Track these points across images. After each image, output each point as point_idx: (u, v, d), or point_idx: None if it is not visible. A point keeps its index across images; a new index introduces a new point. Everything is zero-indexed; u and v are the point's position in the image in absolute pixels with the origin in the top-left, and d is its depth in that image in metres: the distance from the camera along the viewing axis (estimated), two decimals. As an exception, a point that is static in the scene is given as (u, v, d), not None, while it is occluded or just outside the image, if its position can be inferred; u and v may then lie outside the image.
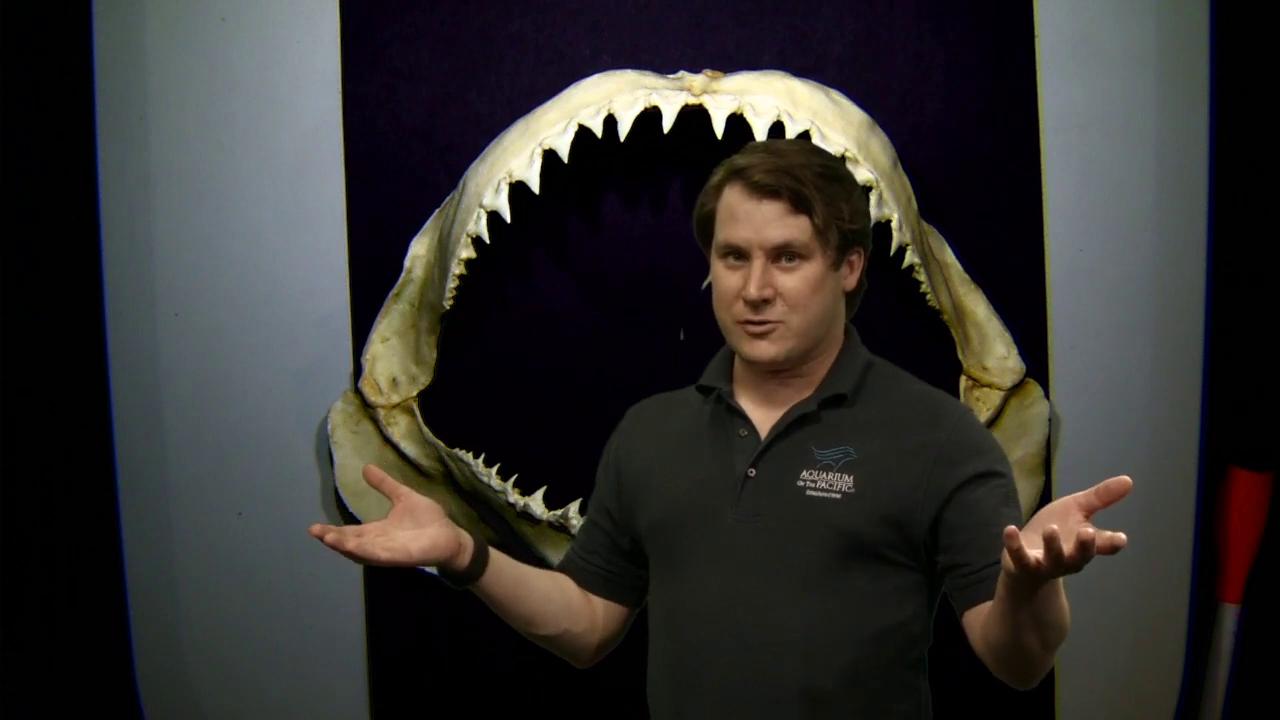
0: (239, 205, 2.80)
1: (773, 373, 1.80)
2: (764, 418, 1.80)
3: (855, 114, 2.63)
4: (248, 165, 2.80)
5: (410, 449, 2.76)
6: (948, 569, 1.75)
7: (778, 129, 2.56)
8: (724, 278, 1.77)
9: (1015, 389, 2.75)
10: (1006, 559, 1.47)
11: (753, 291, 1.72)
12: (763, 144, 1.83)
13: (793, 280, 1.74)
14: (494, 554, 1.80)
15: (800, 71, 2.67)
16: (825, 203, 1.73)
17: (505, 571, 1.82)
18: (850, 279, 1.81)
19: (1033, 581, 1.49)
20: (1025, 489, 2.78)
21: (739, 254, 1.75)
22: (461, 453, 2.67)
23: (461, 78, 2.77)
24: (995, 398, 2.73)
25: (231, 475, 2.82)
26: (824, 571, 1.72)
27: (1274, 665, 2.88)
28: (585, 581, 1.92)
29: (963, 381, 2.74)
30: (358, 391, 2.77)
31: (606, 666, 2.84)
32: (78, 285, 2.80)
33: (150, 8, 2.79)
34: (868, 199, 1.82)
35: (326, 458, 2.80)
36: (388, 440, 2.77)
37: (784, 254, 1.73)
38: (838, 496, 1.73)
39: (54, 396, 2.80)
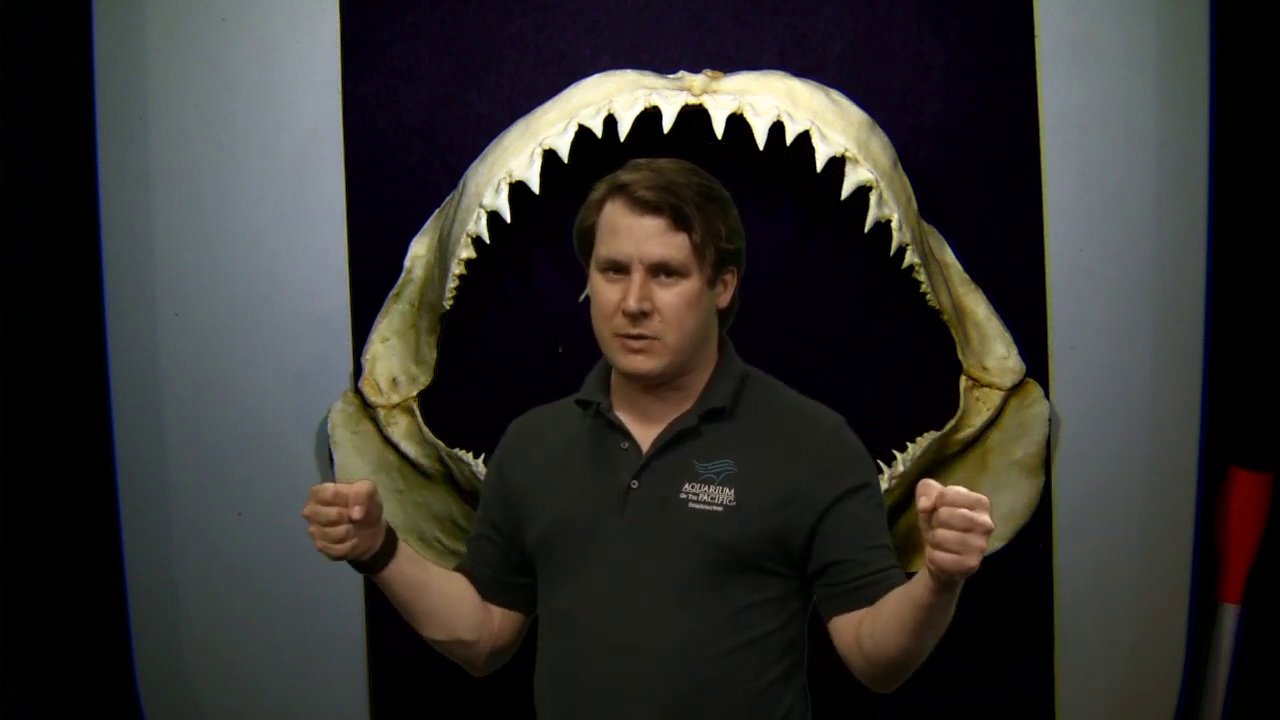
0: (239, 205, 2.80)
1: (650, 387, 1.83)
2: (644, 431, 1.84)
3: (855, 114, 2.63)
4: (248, 165, 2.80)
5: (410, 449, 2.76)
6: (820, 577, 1.79)
7: (778, 129, 2.56)
8: (603, 291, 1.81)
9: (1015, 389, 2.75)
10: (942, 560, 1.50)
11: (632, 304, 1.76)
12: (645, 161, 1.87)
13: (670, 296, 1.78)
14: (401, 548, 1.86)
15: (800, 71, 2.67)
16: (704, 221, 1.78)
17: (406, 568, 1.87)
18: (724, 296, 1.86)
19: (952, 583, 1.55)
20: (1025, 489, 2.78)
21: (619, 268, 1.79)
22: (461, 453, 2.67)
23: (461, 78, 2.77)
24: (995, 398, 2.73)
25: (231, 475, 2.82)
26: (702, 582, 1.76)
27: (1274, 665, 2.88)
28: (482, 588, 1.96)
29: (963, 381, 2.74)
30: (358, 391, 2.77)
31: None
32: (78, 285, 2.80)
33: (150, 8, 2.79)
34: (740, 222, 1.87)
35: (326, 458, 2.80)
36: (388, 440, 2.77)
37: (662, 270, 1.78)
38: (719, 509, 1.76)
39: (54, 396, 2.80)
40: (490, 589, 1.95)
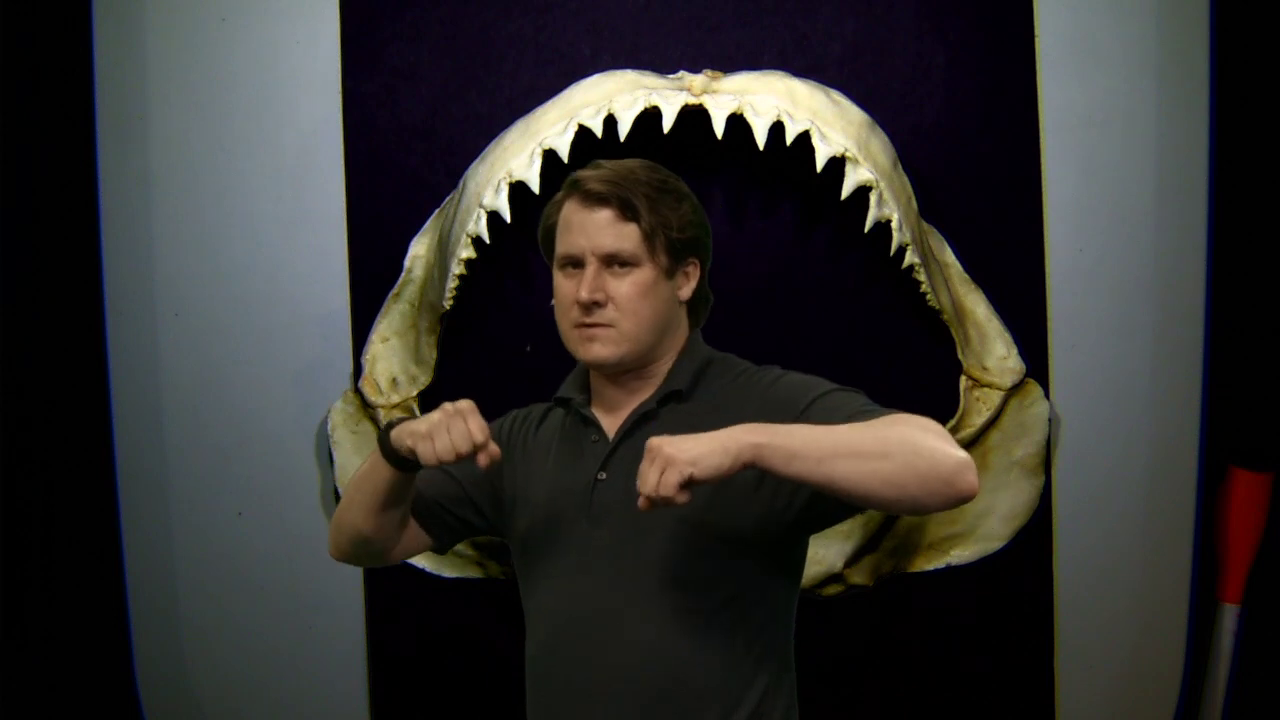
0: (239, 205, 2.81)
1: (614, 377, 1.87)
2: (613, 423, 1.88)
3: (855, 114, 2.63)
4: (248, 165, 2.80)
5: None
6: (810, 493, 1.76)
7: (778, 129, 2.56)
8: (561, 286, 1.86)
9: (1015, 389, 2.75)
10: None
11: (584, 294, 1.81)
12: (607, 160, 1.91)
13: (623, 286, 1.82)
14: None
15: (800, 71, 2.67)
16: (652, 211, 1.82)
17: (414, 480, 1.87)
18: (686, 289, 1.88)
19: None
20: (1025, 489, 2.78)
21: (575, 262, 1.84)
22: (461, 453, 2.67)
23: (461, 78, 2.77)
24: (995, 398, 2.73)
25: (231, 475, 2.83)
26: (673, 566, 1.77)
27: (1274, 665, 2.88)
28: (422, 508, 1.96)
29: (963, 381, 2.74)
30: (358, 391, 2.77)
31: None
32: (78, 285, 2.80)
33: (150, 8, 2.79)
34: (702, 215, 1.90)
35: (326, 458, 2.80)
36: (388, 440, 2.77)
37: (615, 260, 1.82)
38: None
39: (54, 396, 2.80)
40: (431, 513, 1.96)
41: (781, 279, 2.75)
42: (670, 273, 1.85)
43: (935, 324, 2.73)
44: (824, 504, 1.74)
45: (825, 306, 2.74)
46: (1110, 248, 2.82)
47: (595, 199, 1.83)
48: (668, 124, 2.56)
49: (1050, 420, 2.77)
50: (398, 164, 2.78)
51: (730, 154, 2.62)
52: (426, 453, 1.70)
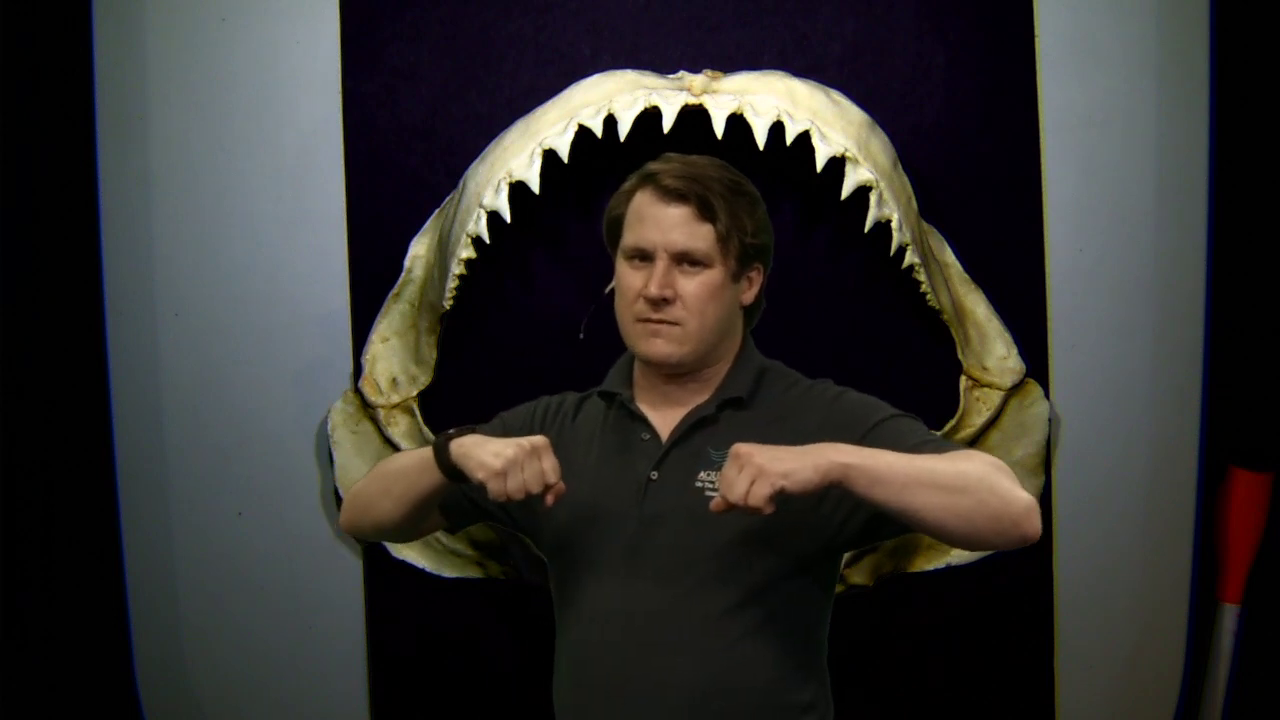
0: (239, 205, 2.80)
1: (671, 377, 1.85)
2: (664, 422, 1.85)
3: (855, 114, 2.63)
4: (248, 165, 2.80)
5: (410, 449, 2.76)
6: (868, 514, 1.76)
7: (778, 129, 2.56)
8: (627, 277, 1.83)
9: (1015, 389, 2.75)
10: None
11: (654, 290, 1.78)
12: (677, 155, 1.89)
13: (692, 285, 1.80)
14: None
15: (800, 71, 2.67)
16: (729, 213, 1.80)
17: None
18: (748, 294, 1.87)
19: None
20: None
21: (644, 255, 1.81)
22: (461, 453, 2.67)
23: (461, 78, 2.77)
24: (995, 398, 2.73)
25: (231, 475, 2.83)
26: (725, 571, 1.76)
27: (1274, 665, 2.88)
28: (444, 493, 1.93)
29: (963, 381, 2.74)
30: (358, 391, 2.77)
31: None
32: (78, 285, 2.80)
33: (150, 8, 2.79)
34: (769, 222, 1.89)
35: (326, 458, 2.80)
36: (388, 440, 2.77)
37: (686, 259, 1.79)
38: None
39: (54, 396, 2.80)
40: (452, 501, 1.93)
41: (781, 279, 2.74)
42: (737, 276, 1.84)
43: (935, 324, 2.73)
44: (881, 525, 1.75)
45: (825, 306, 2.74)
46: (1110, 248, 2.82)
47: (673, 195, 1.80)
48: (668, 124, 2.56)
49: (1050, 420, 2.77)
50: (398, 164, 2.78)
51: (730, 154, 2.60)
52: (496, 489, 1.68)
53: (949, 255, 2.76)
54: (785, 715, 1.79)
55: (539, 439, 1.71)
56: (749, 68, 2.67)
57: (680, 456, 1.81)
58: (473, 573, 2.81)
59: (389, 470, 1.88)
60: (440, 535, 2.80)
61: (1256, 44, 2.84)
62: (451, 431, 1.78)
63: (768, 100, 2.58)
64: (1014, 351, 2.74)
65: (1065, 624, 2.85)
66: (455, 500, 1.93)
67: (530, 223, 2.67)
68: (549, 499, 1.71)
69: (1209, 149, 2.81)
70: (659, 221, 1.80)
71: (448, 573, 2.80)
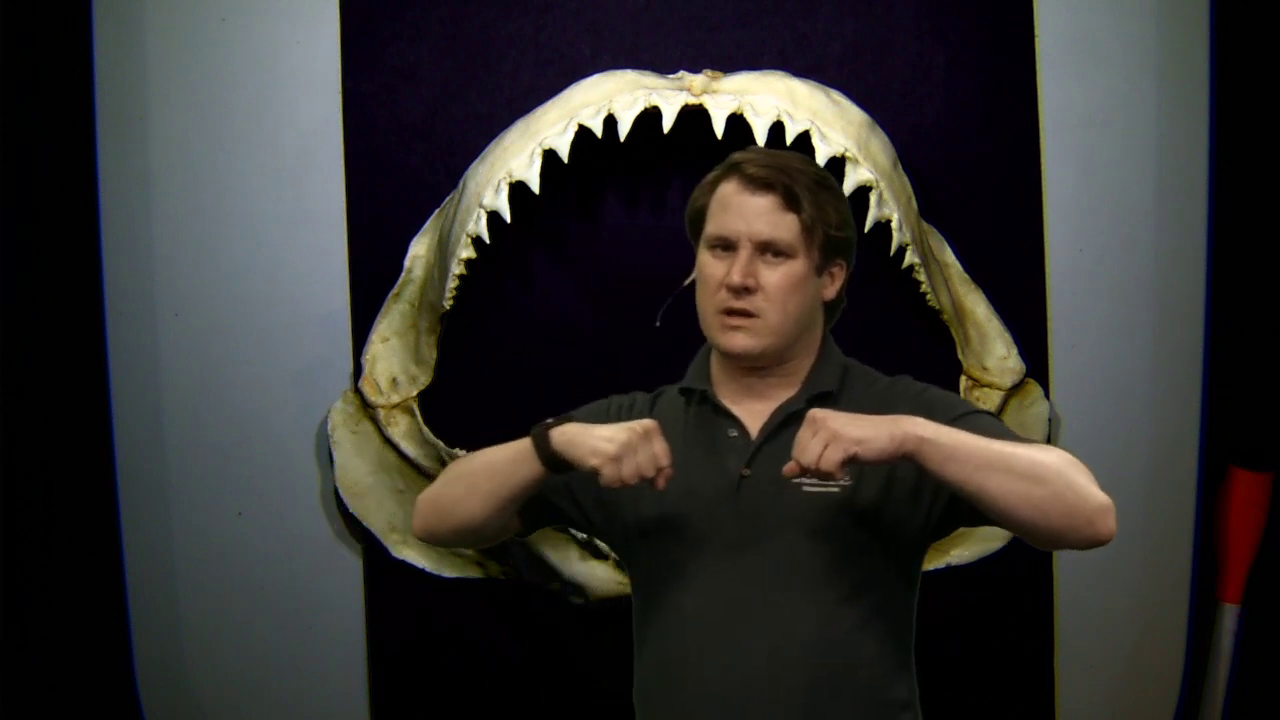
0: (239, 205, 2.80)
1: (752, 370, 1.82)
2: (751, 417, 1.82)
3: (855, 114, 2.63)
4: (248, 165, 2.80)
5: (410, 449, 2.76)
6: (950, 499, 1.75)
7: (778, 129, 2.56)
8: (709, 266, 1.80)
9: (1015, 389, 2.75)
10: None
11: (736, 278, 1.75)
12: (761, 148, 1.86)
13: (775, 276, 1.77)
14: None
15: (800, 71, 2.67)
16: (815, 205, 1.77)
17: None
18: (830, 289, 1.84)
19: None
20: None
21: (727, 245, 1.78)
22: (461, 453, 2.67)
23: (461, 78, 2.77)
24: (995, 398, 2.73)
25: (231, 475, 2.82)
26: (823, 565, 1.74)
27: (1274, 665, 2.88)
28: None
29: (963, 381, 2.74)
30: (358, 391, 2.77)
31: (605, 667, 2.84)
32: (78, 285, 2.80)
33: (150, 8, 2.79)
34: (853, 218, 1.87)
35: (326, 458, 2.80)
36: (388, 440, 2.77)
37: (770, 249, 1.77)
38: (835, 490, 1.74)
39: (54, 396, 2.80)
40: (532, 504, 1.87)
41: (781, 279, 2.75)
42: (819, 270, 1.81)
43: (935, 324, 2.73)
44: (956, 512, 1.74)
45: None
46: (1110, 248, 2.82)
47: (759, 184, 1.77)
48: (668, 124, 2.56)
49: (1050, 420, 2.77)
50: (398, 164, 2.78)
51: (731, 154, 2.61)
52: (611, 474, 1.66)
53: (949, 255, 2.76)
54: (887, 712, 1.77)
55: (649, 421, 1.69)
56: (749, 68, 2.67)
57: (772, 452, 1.77)
58: (473, 573, 2.81)
59: (472, 469, 1.82)
60: (440, 535, 2.80)
61: (1256, 44, 2.84)
62: (549, 421, 1.74)
63: (768, 100, 2.58)
64: (1014, 351, 2.74)
65: (1065, 624, 2.85)
66: (532, 500, 1.86)
67: (530, 223, 2.67)
68: (660, 483, 1.68)
69: (1209, 149, 2.81)
70: (743, 210, 1.77)
71: (448, 573, 2.80)
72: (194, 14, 2.79)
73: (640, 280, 2.75)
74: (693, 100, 2.58)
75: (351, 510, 2.79)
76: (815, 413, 1.62)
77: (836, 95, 2.64)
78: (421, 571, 2.79)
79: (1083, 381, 2.82)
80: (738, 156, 1.82)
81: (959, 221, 2.78)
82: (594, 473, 1.67)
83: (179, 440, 2.82)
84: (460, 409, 2.78)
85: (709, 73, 2.63)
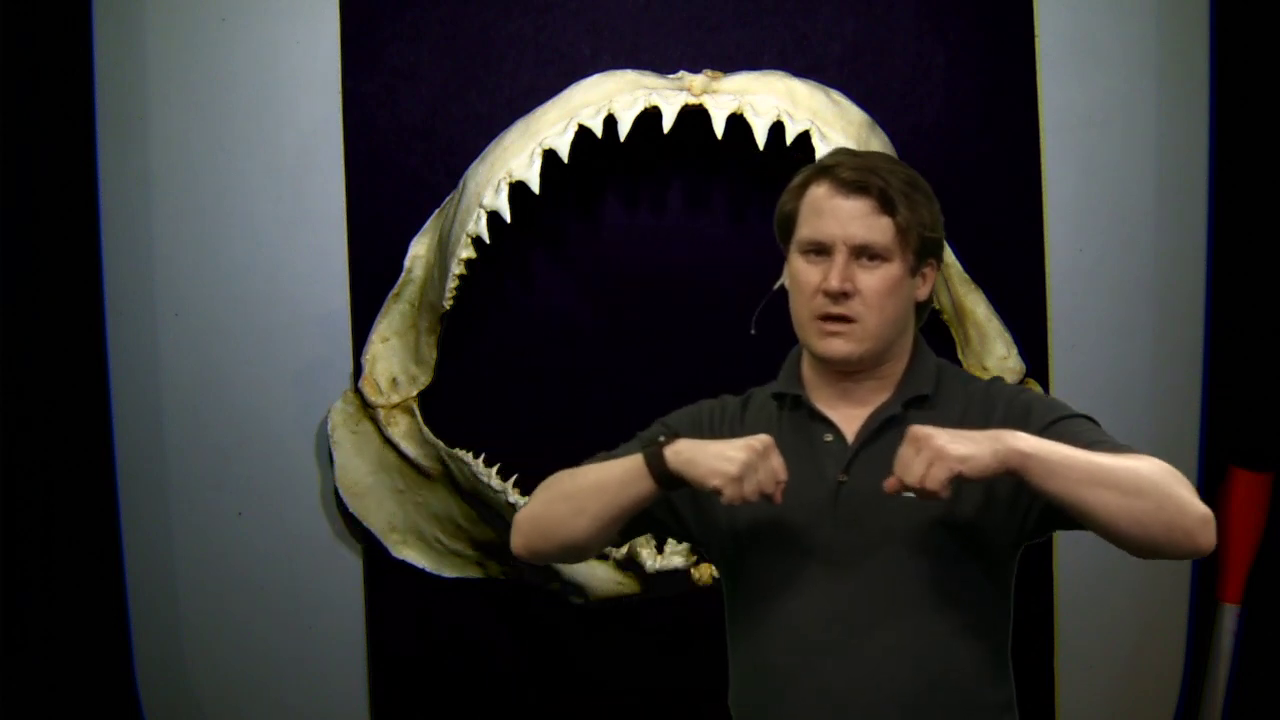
0: (239, 205, 2.80)
1: (847, 374, 1.80)
2: (847, 422, 1.80)
3: (855, 114, 2.63)
4: (248, 165, 2.80)
5: (410, 449, 2.76)
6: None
7: (778, 129, 2.56)
8: (803, 272, 1.78)
9: (1015, 389, 2.75)
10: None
11: (834, 283, 1.73)
12: (848, 150, 1.84)
13: (872, 279, 1.75)
14: None
15: (800, 71, 2.67)
16: (909, 207, 1.76)
17: None
18: (923, 289, 1.83)
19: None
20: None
21: (821, 249, 1.76)
22: (461, 453, 2.67)
23: (461, 78, 2.77)
24: (995, 398, 2.73)
25: (231, 475, 2.83)
26: (924, 571, 1.72)
27: (1274, 665, 2.88)
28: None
29: (963, 381, 2.74)
30: (358, 391, 2.77)
31: (606, 667, 2.85)
32: (78, 285, 2.80)
33: (150, 8, 2.79)
34: (942, 217, 1.85)
35: (326, 458, 2.80)
36: (388, 440, 2.77)
37: (865, 253, 1.75)
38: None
39: (54, 396, 2.80)
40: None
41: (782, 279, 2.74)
42: (914, 271, 1.79)
43: (935, 324, 2.73)
44: (1053, 518, 1.72)
45: (825, 306, 2.74)
46: (1110, 248, 2.82)
47: (853, 187, 1.75)
48: (668, 124, 2.56)
49: (1050, 420, 2.77)
50: (398, 164, 2.78)
51: (730, 154, 2.61)
52: (733, 494, 1.65)
53: (949, 255, 2.76)
54: (989, 715, 1.76)
55: (765, 437, 1.68)
56: (749, 68, 2.67)
57: (869, 457, 1.76)
58: (473, 573, 2.81)
59: (579, 488, 1.79)
60: (440, 535, 2.80)
61: (1256, 44, 2.84)
62: (661, 439, 1.73)
63: (768, 100, 2.58)
64: (1014, 351, 2.74)
65: (1065, 624, 2.85)
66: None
67: (530, 223, 2.67)
68: (778, 497, 1.67)
69: (1209, 149, 2.81)
70: (837, 214, 1.75)
71: (448, 573, 2.80)
72: (194, 14, 2.79)
73: (640, 280, 2.76)
74: (693, 100, 2.58)
75: (351, 510, 2.79)
76: (917, 430, 1.60)
77: (836, 95, 2.64)
78: (421, 571, 2.79)
79: (1083, 381, 2.82)
80: (827, 160, 1.80)
81: (959, 221, 2.76)
82: (715, 492, 1.67)
83: (179, 440, 2.82)
84: (460, 409, 2.78)
85: (709, 73, 2.63)
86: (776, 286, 1.88)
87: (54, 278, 2.80)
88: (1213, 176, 2.81)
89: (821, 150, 2.54)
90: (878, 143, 2.62)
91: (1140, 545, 1.62)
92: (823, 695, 1.73)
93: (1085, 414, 1.77)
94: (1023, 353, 2.75)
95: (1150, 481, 1.60)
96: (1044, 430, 1.71)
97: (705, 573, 2.64)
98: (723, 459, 1.66)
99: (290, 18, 2.79)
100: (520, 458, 2.71)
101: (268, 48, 2.80)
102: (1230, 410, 2.89)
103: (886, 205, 1.75)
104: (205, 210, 2.80)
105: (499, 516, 2.70)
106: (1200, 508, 1.62)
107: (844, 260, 1.75)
